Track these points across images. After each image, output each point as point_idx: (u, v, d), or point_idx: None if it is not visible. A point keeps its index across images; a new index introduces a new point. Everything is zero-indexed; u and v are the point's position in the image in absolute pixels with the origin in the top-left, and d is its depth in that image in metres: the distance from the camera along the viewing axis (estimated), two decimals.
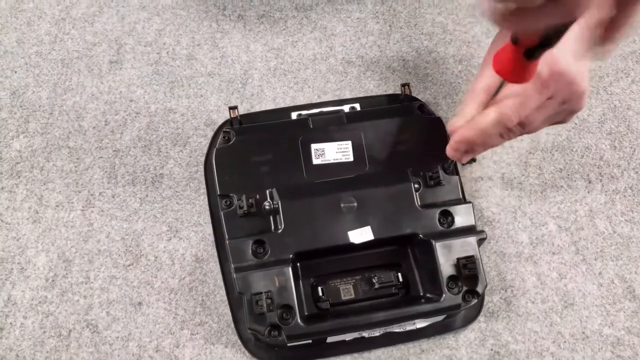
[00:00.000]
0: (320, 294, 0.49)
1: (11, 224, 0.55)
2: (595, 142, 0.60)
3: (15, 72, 0.62)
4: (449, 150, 0.45)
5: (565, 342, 0.52)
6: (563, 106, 0.43)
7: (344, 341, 0.50)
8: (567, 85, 0.41)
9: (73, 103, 0.61)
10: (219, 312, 0.52)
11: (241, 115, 0.56)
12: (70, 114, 0.60)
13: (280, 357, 0.50)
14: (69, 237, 0.55)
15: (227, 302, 0.52)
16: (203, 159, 0.58)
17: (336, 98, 0.61)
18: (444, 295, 0.47)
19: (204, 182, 0.56)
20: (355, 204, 0.49)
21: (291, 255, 0.47)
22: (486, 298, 0.53)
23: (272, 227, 0.49)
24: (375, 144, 0.53)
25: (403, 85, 0.58)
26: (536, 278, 0.54)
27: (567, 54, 0.41)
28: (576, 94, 0.42)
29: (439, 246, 0.48)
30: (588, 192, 0.58)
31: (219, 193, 0.51)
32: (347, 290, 0.49)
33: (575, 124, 0.61)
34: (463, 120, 0.44)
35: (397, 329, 0.49)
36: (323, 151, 0.52)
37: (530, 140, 0.60)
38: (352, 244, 0.48)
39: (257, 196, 0.50)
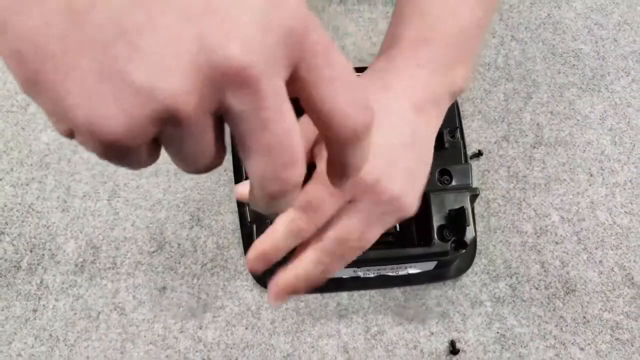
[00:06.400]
0: None
1: (41, 212, 0.58)
2: (597, 138, 0.63)
3: None
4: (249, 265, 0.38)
5: (567, 325, 0.55)
6: (379, 209, 0.36)
7: (341, 278, 0.55)
8: (368, 189, 0.35)
9: None
10: (239, 296, 0.55)
11: None
12: None
13: None
14: (96, 225, 0.57)
15: (246, 287, 0.55)
16: None
17: None
18: (433, 241, 0.50)
19: (223, 173, 0.60)
20: None
21: None
22: (492, 284, 0.56)
23: None
24: None
25: None
26: (540, 266, 0.57)
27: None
28: (386, 200, 0.36)
29: (433, 197, 0.51)
30: (590, 185, 0.61)
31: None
32: None
33: (578, 120, 0.64)
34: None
35: (390, 272, 0.54)
36: None
37: (535, 136, 0.63)
38: None
39: None
